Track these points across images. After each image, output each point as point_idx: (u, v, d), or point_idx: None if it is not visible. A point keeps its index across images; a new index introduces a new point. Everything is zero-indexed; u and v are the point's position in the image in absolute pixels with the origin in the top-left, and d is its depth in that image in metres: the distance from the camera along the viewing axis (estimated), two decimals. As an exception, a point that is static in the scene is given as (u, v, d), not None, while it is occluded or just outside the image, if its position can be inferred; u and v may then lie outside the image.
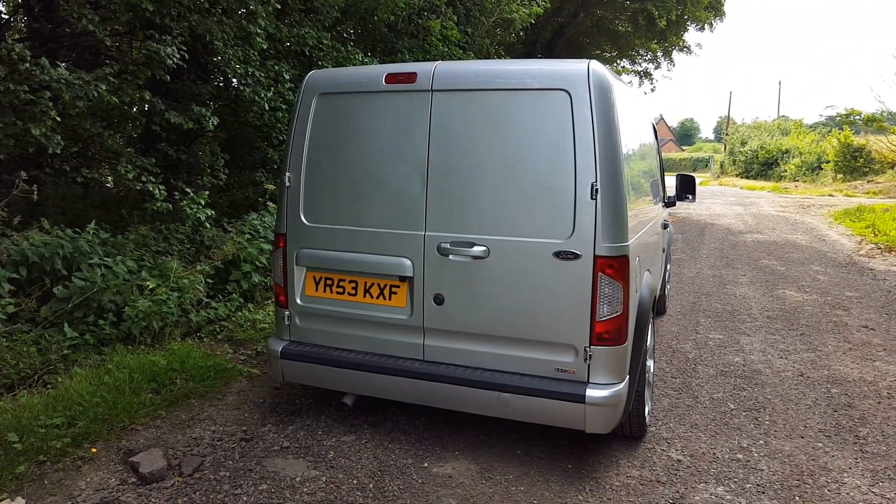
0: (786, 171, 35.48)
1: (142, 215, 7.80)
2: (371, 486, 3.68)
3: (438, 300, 3.92)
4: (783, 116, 50.27)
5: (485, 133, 3.81)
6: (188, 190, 6.99)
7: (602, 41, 20.55)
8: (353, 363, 4.10)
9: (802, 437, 4.49)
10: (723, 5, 19.86)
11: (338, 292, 4.19)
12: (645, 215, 4.74)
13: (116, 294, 5.94)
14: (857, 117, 30.21)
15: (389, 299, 4.06)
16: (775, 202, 23.93)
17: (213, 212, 7.10)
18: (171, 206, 6.82)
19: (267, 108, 7.86)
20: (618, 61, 22.13)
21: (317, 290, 4.25)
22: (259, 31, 7.07)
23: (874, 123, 29.23)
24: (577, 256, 3.61)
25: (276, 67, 7.84)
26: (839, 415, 4.88)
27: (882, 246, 13.58)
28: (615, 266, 3.61)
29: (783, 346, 6.56)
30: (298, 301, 4.28)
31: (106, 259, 5.83)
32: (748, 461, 4.13)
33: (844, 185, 29.25)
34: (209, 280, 6.92)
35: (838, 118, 32.90)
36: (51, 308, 5.59)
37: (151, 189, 6.54)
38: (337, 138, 4.13)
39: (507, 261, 3.76)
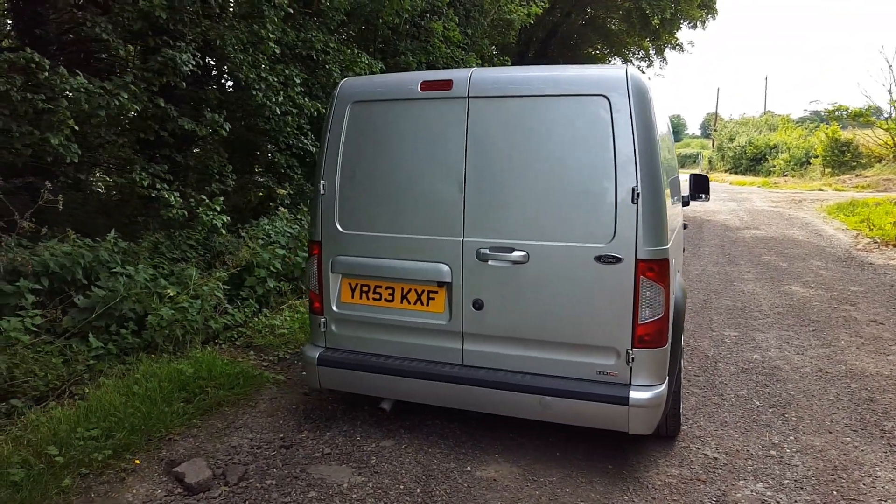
0: (774, 166, 35.82)
1: (149, 222, 7.77)
2: (418, 490, 3.71)
3: (477, 305, 3.95)
4: (769, 112, 50.73)
5: (522, 139, 3.85)
6: (203, 197, 6.97)
7: (595, 40, 20.68)
8: (392, 369, 4.12)
9: (830, 433, 4.56)
10: (715, 3, 20.02)
11: (374, 299, 4.21)
12: (674, 217, 4.81)
13: (136, 302, 5.92)
14: (843, 112, 30.59)
15: (427, 305, 4.09)
16: (767, 197, 24.17)
17: (228, 218, 7.09)
18: (185, 212, 6.80)
19: (278, 112, 7.85)
20: (610, 59, 22.30)
21: (353, 296, 4.27)
22: (271, 35, 7.06)
23: (861, 118, 29.61)
24: (618, 260, 3.66)
25: (287, 71, 7.83)
26: (862, 409, 4.96)
27: (879, 240, 13.76)
28: (656, 269, 3.66)
29: (798, 342, 6.66)
30: (334, 308, 4.30)
31: (128, 268, 5.80)
32: (782, 457, 4.20)
33: (833, 179, 29.58)
34: (224, 286, 6.91)
35: (825, 113, 33.28)
36: (73, 318, 5.57)
37: (167, 196, 6.52)
38: (372, 146, 4.15)
39: (548, 265, 3.80)
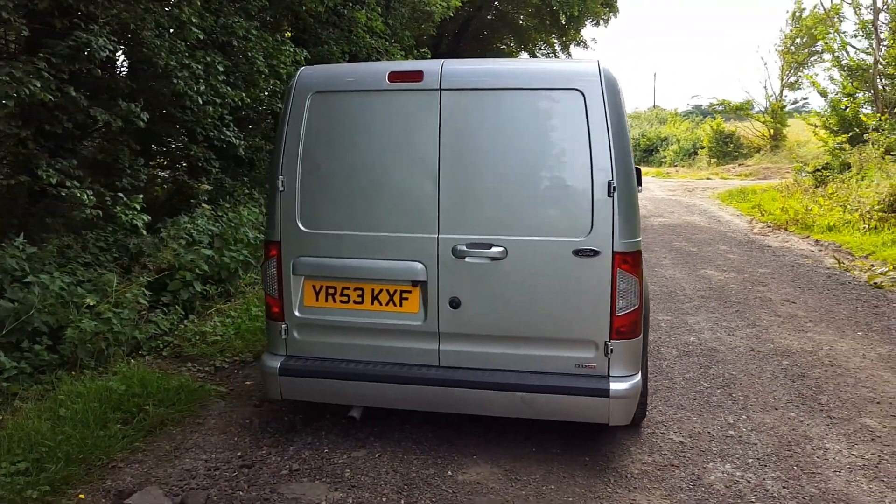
0: (665, 156, 37.75)
1: (54, 224, 7.07)
2: (402, 501, 3.54)
3: (454, 304, 3.82)
4: (657, 106, 53.43)
5: (498, 133, 3.75)
6: (121, 195, 6.39)
7: (505, 34, 20.91)
8: (362, 374, 3.93)
9: (776, 409, 4.79)
10: (616, 1, 20.81)
11: (342, 301, 3.99)
12: None
13: (49, 314, 5.36)
14: (726, 106, 32.66)
15: (400, 305, 3.92)
16: (663, 186, 25.42)
17: (148, 217, 6.55)
18: (100, 212, 6.21)
19: (200, 101, 7.32)
20: (519, 54, 22.62)
21: (317, 300, 4.03)
22: (193, 20, 6.55)
23: (741, 111, 31.74)
24: (596, 253, 3.65)
25: (208, 58, 7.32)
26: (798, 385, 5.25)
27: (771, 224, 14.78)
28: (630, 261, 3.68)
29: (725, 323, 6.99)
30: (297, 313, 4.04)
31: (42, 276, 5.23)
32: (740, 436, 4.35)
33: (719, 168, 31.55)
34: (147, 292, 6.41)
35: (709, 107, 35.40)
36: (-25, 336, 4.96)
37: (79, 194, 5.92)
38: (337, 140, 3.91)
39: (526, 260, 3.73)
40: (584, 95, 3.62)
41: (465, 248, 3.76)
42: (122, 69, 7.77)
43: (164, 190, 10.22)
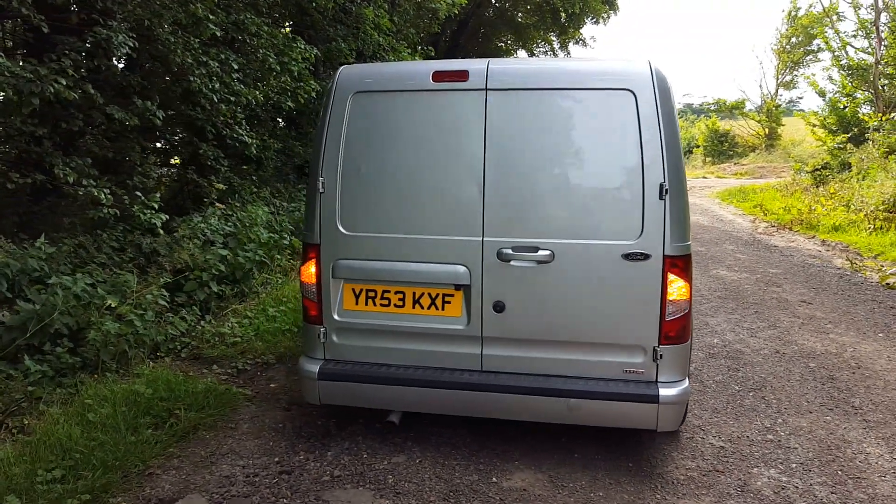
0: (660, 155, 37.87)
1: (73, 223, 6.94)
2: (450, 508, 3.49)
3: (498, 307, 3.76)
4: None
5: (545, 134, 3.69)
6: (138, 193, 6.28)
7: (504, 32, 20.83)
8: (404, 379, 3.86)
9: (811, 412, 4.76)
10: (617, -1, 20.84)
11: (382, 305, 3.92)
12: None
13: (70, 316, 5.25)
14: (713, 105, 32.80)
15: (442, 309, 3.85)
16: (661, 185, 25.40)
17: (166, 217, 6.44)
18: (117, 211, 6.10)
19: (215, 99, 7.20)
20: (516, 52, 22.57)
21: (357, 303, 3.95)
22: (210, 16, 6.43)
23: (737, 110, 31.88)
24: (647, 257, 3.59)
25: (222, 56, 7.20)
26: (828, 388, 5.23)
27: (775, 224, 14.82)
28: (680, 265, 3.62)
29: (746, 325, 6.96)
30: (336, 316, 3.96)
31: (63, 277, 5.12)
32: (779, 441, 4.32)
33: (714, 167, 31.68)
34: (165, 293, 6.30)
35: (701, 106, 35.52)
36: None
37: (97, 193, 5.80)
38: (379, 140, 3.84)
39: (573, 264, 3.67)
40: (635, 96, 3.56)
41: (510, 251, 3.70)
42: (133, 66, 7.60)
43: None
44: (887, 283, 8.70)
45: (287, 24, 10.53)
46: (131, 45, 5.59)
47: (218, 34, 6.77)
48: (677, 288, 3.63)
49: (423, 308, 3.87)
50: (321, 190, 3.88)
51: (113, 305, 5.33)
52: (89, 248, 6.39)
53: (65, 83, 4.89)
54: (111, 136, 7.45)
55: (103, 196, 5.84)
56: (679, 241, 3.59)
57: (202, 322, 6.57)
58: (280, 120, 11.27)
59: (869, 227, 12.33)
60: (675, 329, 3.66)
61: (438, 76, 3.75)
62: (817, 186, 18.35)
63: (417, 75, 3.82)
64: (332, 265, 3.92)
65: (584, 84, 3.65)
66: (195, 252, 6.97)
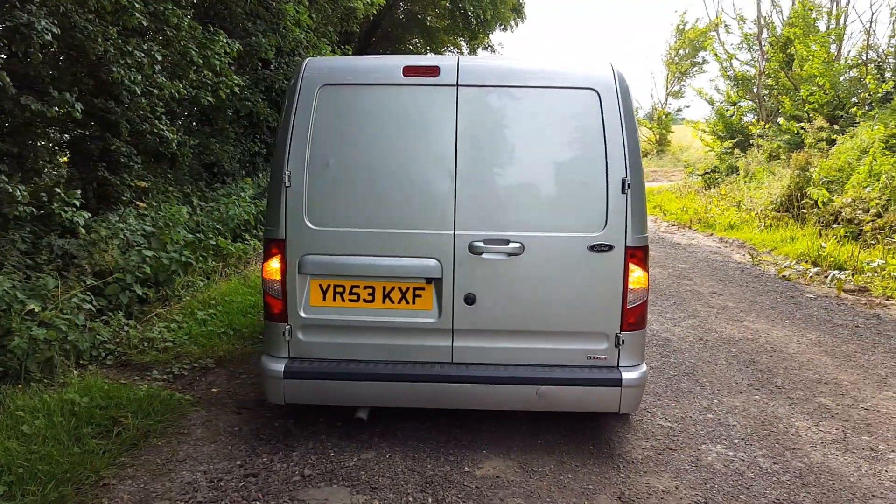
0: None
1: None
2: (429, 500, 3.50)
3: (469, 300, 3.82)
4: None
5: (514, 130, 3.79)
6: (57, 189, 5.83)
7: (414, 34, 20.91)
8: (373, 374, 3.83)
9: (741, 393, 5.13)
10: (524, 7, 21.45)
11: (351, 300, 3.88)
12: None
13: (-16, 323, 4.84)
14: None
15: (413, 303, 3.86)
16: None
17: (88, 214, 6.02)
18: (33, 209, 5.64)
19: (138, 91, 6.78)
20: (426, 54, 22.66)
21: (324, 299, 3.89)
22: (136, 3, 6.06)
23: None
24: (610, 248, 3.76)
25: (144, 46, 6.79)
26: (752, 370, 5.65)
27: (675, 223, 15.77)
28: (639, 256, 3.83)
29: (669, 314, 7.39)
30: (302, 313, 3.87)
31: (-18, 281, 4.70)
32: (719, 419, 4.63)
33: (611, 170, 33.09)
34: (90, 296, 5.92)
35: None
36: None
37: (11, 189, 5.34)
38: (348, 133, 3.79)
39: (542, 256, 3.79)
40: (599, 95, 3.72)
41: (482, 244, 3.76)
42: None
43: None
44: (784, 276, 9.48)
45: (206, 20, 10.15)
46: (55, 31, 5.20)
47: (144, 23, 6.41)
48: (637, 277, 3.82)
49: (393, 302, 3.87)
50: (287, 184, 3.79)
51: (36, 310, 4.94)
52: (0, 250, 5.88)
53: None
54: (11, 129, 6.89)
55: (18, 192, 5.39)
56: (639, 233, 3.79)
57: (126, 327, 6.20)
58: (192, 116, 10.79)
59: (760, 226, 13.37)
60: (636, 316, 3.86)
61: (409, 71, 3.77)
62: (708, 188, 19.70)
63: (387, 69, 3.81)
64: (299, 261, 3.83)
65: (551, 83, 3.78)
66: (115, 253, 6.59)
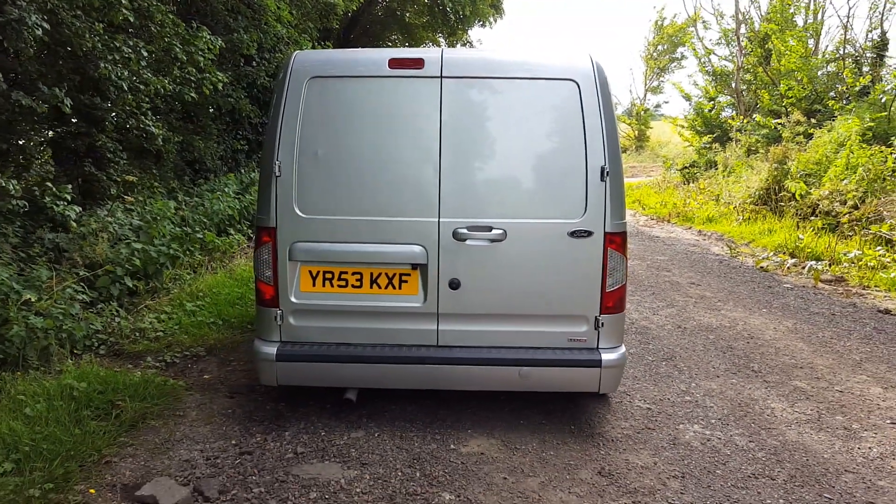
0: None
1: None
2: (417, 474, 3.65)
3: (454, 285, 3.97)
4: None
5: (496, 119, 3.94)
6: (49, 183, 5.90)
7: (393, 30, 20.99)
8: (362, 357, 3.97)
9: (718, 377, 5.33)
10: (502, 4, 21.62)
11: (339, 286, 4.01)
12: None
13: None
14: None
15: (399, 288, 4.01)
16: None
17: (79, 209, 6.09)
18: (26, 203, 5.71)
19: (125, 87, 6.85)
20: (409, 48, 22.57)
21: (314, 285, 4.02)
22: (123, 0, 6.12)
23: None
24: (589, 234, 3.93)
25: (130, 42, 6.85)
26: (729, 356, 5.85)
27: (654, 217, 16.02)
28: (618, 241, 3.99)
29: (648, 304, 7.59)
30: (293, 299, 4.01)
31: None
32: (697, 401, 4.82)
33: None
34: (83, 286, 6.01)
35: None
36: None
37: (4, 184, 5.41)
38: (336, 124, 3.92)
39: (524, 242, 3.94)
40: (578, 86, 3.88)
41: (466, 230, 3.91)
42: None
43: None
44: (762, 267, 9.73)
45: (188, 16, 10.20)
46: (46, 27, 5.25)
47: (131, 19, 6.47)
48: (616, 262, 3.99)
49: (380, 288, 4.01)
50: (277, 173, 3.91)
51: (32, 300, 5.03)
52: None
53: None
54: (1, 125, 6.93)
55: (11, 186, 5.46)
56: (617, 220, 3.96)
57: (117, 318, 6.29)
58: (175, 112, 10.82)
59: (738, 219, 13.65)
60: (614, 299, 4.03)
61: (395, 63, 3.90)
62: (687, 183, 19.98)
63: (374, 62, 3.95)
64: (289, 248, 3.96)
65: (531, 74, 3.93)
66: (105, 247, 6.66)
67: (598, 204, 3.90)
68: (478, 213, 3.92)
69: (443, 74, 3.90)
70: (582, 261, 3.95)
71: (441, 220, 3.91)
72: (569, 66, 3.93)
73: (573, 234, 3.92)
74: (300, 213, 3.94)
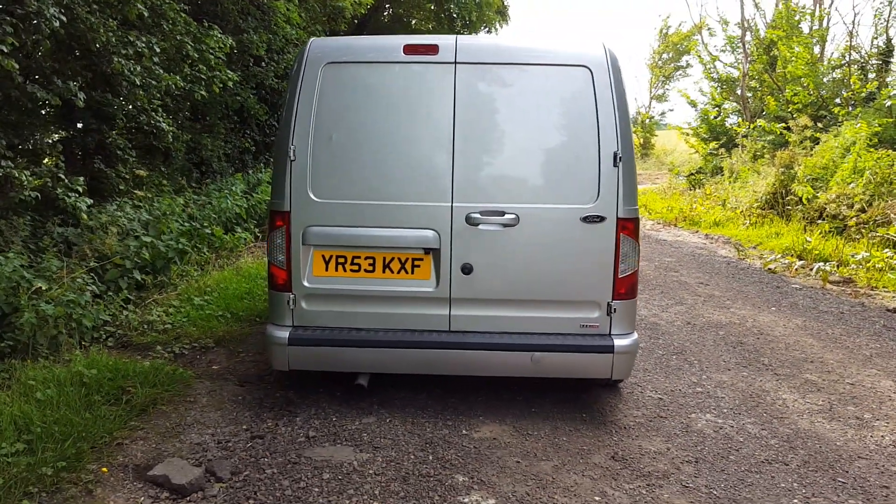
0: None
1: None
2: (430, 457, 3.64)
3: (466, 270, 3.96)
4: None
5: (510, 105, 3.95)
6: (61, 175, 5.93)
7: (400, 35, 21.00)
8: (374, 341, 3.97)
9: (729, 370, 5.31)
10: (508, 10, 21.75)
11: (352, 270, 4.02)
12: None
13: (-3, 299, 4.93)
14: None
15: (412, 273, 4.01)
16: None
17: (91, 201, 6.12)
18: (38, 195, 5.74)
19: (137, 82, 6.89)
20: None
21: (327, 269, 4.02)
22: (138, -6, 6.18)
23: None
24: (602, 219, 3.93)
25: (143, 38, 6.90)
26: (739, 350, 5.83)
27: (661, 222, 16.00)
28: (630, 227, 3.99)
29: (657, 302, 7.57)
30: (305, 283, 4.01)
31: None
32: (708, 392, 4.80)
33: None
34: (93, 277, 6.02)
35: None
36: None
37: (18, 175, 5.44)
38: (350, 110, 3.94)
39: (537, 227, 3.94)
40: (591, 72, 3.89)
41: (478, 215, 3.92)
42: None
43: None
44: (769, 268, 9.70)
45: (199, 16, 10.29)
46: (63, 19, 5.29)
47: (146, 14, 6.52)
48: (628, 247, 3.99)
49: (392, 272, 4.01)
50: (292, 157, 3.93)
51: (43, 288, 5.04)
52: (4, 232, 5.98)
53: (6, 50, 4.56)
54: (14, 118, 6.98)
55: (24, 177, 5.49)
56: (630, 205, 3.96)
57: (125, 311, 6.30)
58: (184, 111, 10.88)
59: (745, 223, 13.62)
60: (627, 285, 4.02)
61: (409, 49, 3.92)
62: (693, 189, 19.97)
63: (388, 48, 3.97)
64: (303, 232, 3.97)
65: (544, 60, 3.94)
66: (114, 240, 6.68)
67: (610, 189, 3.91)
68: (490, 198, 3.93)
69: (457, 60, 3.91)
70: (594, 246, 3.95)
71: (454, 204, 3.92)
72: (582, 52, 3.95)
73: (585, 219, 3.92)
74: (314, 198, 3.95)
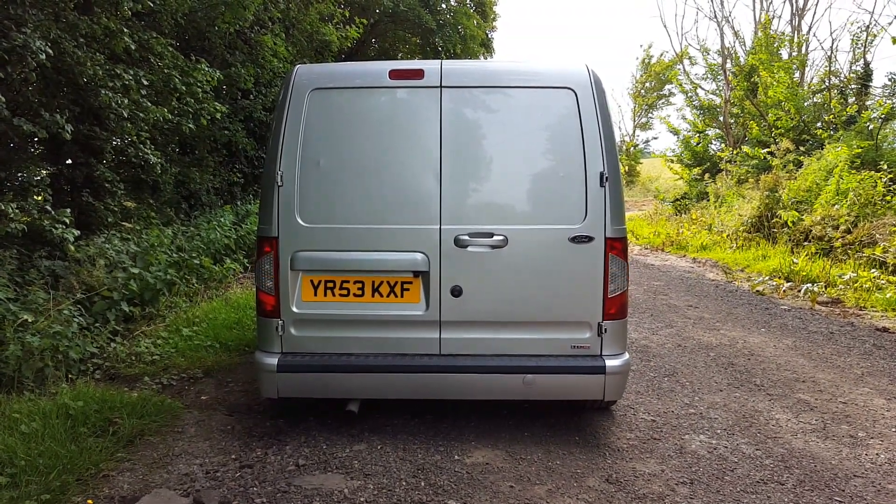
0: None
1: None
2: (422, 483, 3.59)
3: (456, 292, 3.96)
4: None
5: (496, 127, 3.99)
6: (48, 207, 5.89)
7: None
8: (364, 367, 3.93)
9: (721, 391, 5.30)
10: (492, 42, 22.17)
11: (341, 295, 4.00)
12: None
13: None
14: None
15: (401, 296, 3.99)
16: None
17: (77, 232, 6.08)
18: (24, 227, 5.70)
19: (125, 115, 6.91)
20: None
21: (315, 294, 4.00)
22: (125, 29, 6.21)
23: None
24: (590, 239, 3.94)
25: (131, 72, 6.93)
26: (730, 371, 5.82)
27: (648, 246, 16.10)
28: (619, 246, 4.01)
29: (647, 325, 7.57)
30: (294, 309, 3.98)
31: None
32: (701, 413, 4.78)
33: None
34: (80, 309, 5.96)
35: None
36: None
37: (4, 207, 5.40)
38: (337, 135, 3.96)
39: (525, 248, 3.95)
40: (576, 94, 3.95)
41: (467, 237, 3.92)
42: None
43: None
44: (758, 290, 9.75)
45: (187, 50, 10.38)
46: (50, 52, 5.31)
47: (133, 47, 6.56)
48: (617, 267, 3.99)
49: (382, 296, 3.99)
50: (279, 183, 3.93)
51: (30, 320, 4.98)
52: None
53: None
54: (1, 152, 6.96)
55: (10, 210, 5.45)
56: (617, 225, 3.98)
57: (113, 343, 6.22)
58: (172, 144, 10.91)
59: (732, 246, 13.73)
60: (617, 305, 4.02)
61: (395, 74, 3.97)
62: (679, 214, 20.15)
63: (374, 73, 4.01)
64: (291, 257, 3.96)
65: (529, 83, 4.00)
66: (102, 272, 6.63)
67: (597, 209, 3.93)
68: (479, 220, 3.94)
69: (442, 84, 3.96)
70: (583, 266, 3.96)
71: (442, 227, 3.93)
72: (566, 74, 4.00)
73: (574, 239, 3.93)
74: (302, 223, 3.94)
